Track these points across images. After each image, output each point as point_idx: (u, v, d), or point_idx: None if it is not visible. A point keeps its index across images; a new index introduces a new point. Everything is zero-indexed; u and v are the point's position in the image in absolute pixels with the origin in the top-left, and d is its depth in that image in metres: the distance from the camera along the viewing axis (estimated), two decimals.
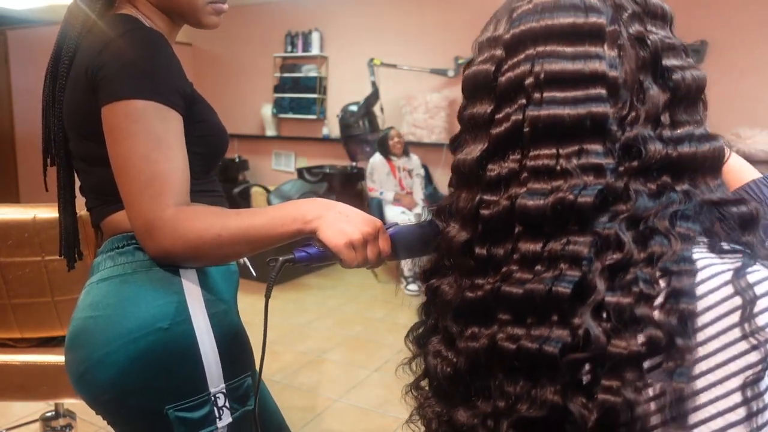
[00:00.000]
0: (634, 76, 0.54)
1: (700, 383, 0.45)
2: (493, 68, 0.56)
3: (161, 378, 0.84)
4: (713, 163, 0.54)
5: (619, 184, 0.51)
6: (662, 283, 0.47)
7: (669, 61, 0.54)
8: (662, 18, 0.56)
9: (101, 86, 0.84)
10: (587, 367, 0.48)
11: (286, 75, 5.70)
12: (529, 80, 0.53)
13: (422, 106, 4.88)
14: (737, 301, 0.45)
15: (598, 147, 0.52)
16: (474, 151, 0.57)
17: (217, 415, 0.87)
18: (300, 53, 5.59)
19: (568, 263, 0.50)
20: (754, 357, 0.44)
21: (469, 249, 0.56)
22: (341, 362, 3.04)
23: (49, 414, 1.82)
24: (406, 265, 3.94)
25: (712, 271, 0.47)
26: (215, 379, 0.87)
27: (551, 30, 0.54)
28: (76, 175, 1.01)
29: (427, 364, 0.62)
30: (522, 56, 0.55)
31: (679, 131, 0.53)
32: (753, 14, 3.88)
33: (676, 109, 0.54)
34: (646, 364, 0.46)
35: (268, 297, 0.73)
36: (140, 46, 0.86)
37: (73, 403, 1.75)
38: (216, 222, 0.81)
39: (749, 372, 0.44)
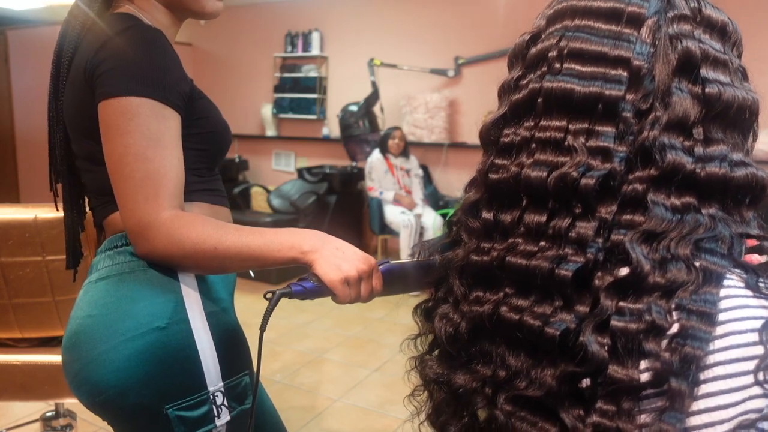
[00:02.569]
0: (666, 75, 0.50)
1: (693, 420, 0.43)
2: (529, 37, 0.56)
3: (159, 377, 0.84)
4: (750, 192, 0.49)
5: (636, 188, 0.49)
6: (675, 318, 0.44)
7: (708, 73, 0.50)
8: (720, 33, 0.53)
9: (98, 84, 0.84)
10: (587, 381, 0.47)
11: (286, 75, 5.70)
12: (554, 52, 0.53)
13: (422, 106, 4.88)
14: (758, 350, 0.43)
15: (609, 129, 0.50)
16: (495, 115, 0.57)
17: (215, 413, 0.87)
18: (300, 53, 5.59)
19: (573, 248, 0.49)
20: (753, 405, 0.42)
21: (478, 210, 0.56)
22: (341, 362, 3.04)
23: (49, 414, 1.83)
24: None
25: (743, 313, 0.44)
26: (213, 378, 0.87)
27: (590, 9, 0.53)
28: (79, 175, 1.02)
29: (434, 328, 0.61)
30: (557, 26, 0.54)
31: (711, 149, 0.49)
32: (753, 14, 3.88)
33: (711, 126, 0.50)
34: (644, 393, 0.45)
35: (263, 330, 0.74)
36: (138, 44, 0.85)
37: (74, 403, 1.75)
38: (213, 234, 0.81)
39: (743, 419, 0.42)
